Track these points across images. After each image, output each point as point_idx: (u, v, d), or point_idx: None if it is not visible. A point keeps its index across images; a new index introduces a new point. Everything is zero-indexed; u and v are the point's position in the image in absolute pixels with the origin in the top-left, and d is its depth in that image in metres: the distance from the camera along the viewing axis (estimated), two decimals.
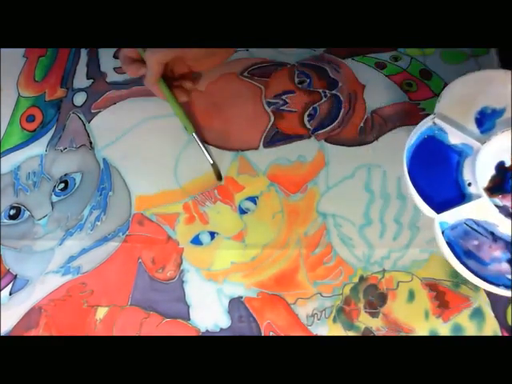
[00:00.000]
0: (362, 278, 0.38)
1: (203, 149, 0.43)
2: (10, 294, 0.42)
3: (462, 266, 0.31)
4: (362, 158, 0.42)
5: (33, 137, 0.48)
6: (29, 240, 0.43)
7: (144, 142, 0.46)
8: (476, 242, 0.32)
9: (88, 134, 0.47)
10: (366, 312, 0.37)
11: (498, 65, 0.45)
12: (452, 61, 0.46)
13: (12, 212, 0.44)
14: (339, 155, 0.43)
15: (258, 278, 0.39)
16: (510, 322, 0.36)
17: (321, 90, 0.45)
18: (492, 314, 0.36)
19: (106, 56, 0.50)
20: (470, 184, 0.33)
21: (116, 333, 0.39)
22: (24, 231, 0.43)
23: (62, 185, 0.45)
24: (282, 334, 0.38)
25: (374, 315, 0.37)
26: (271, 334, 0.38)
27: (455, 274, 0.37)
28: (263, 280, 0.39)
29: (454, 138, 0.34)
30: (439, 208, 0.32)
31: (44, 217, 0.44)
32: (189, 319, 0.39)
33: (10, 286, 0.42)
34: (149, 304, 0.40)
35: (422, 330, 0.36)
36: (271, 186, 0.42)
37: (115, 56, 0.50)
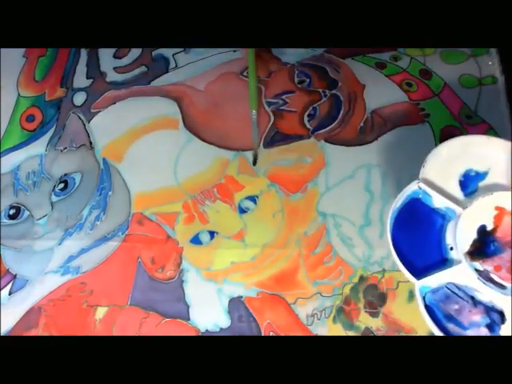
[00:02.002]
0: (361, 278, 0.38)
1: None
2: (10, 293, 0.41)
3: (439, 331, 0.32)
4: (362, 158, 0.42)
5: (33, 136, 0.48)
6: (28, 240, 0.43)
7: (143, 141, 0.46)
8: (456, 306, 0.33)
9: (88, 134, 0.47)
10: (365, 312, 0.37)
11: (498, 65, 0.45)
12: (452, 61, 0.46)
13: (11, 212, 0.44)
14: (339, 155, 0.43)
15: (258, 277, 0.39)
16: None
17: (321, 90, 0.45)
18: None
19: (105, 56, 0.50)
20: (451, 248, 0.34)
21: (115, 333, 0.39)
22: (23, 231, 0.43)
23: (62, 185, 0.45)
24: (282, 334, 0.38)
25: (373, 315, 0.37)
26: (271, 333, 0.38)
27: None
28: (263, 280, 0.39)
29: (438, 201, 0.34)
30: (421, 272, 0.33)
31: (43, 217, 0.44)
32: (188, 319, 0.39)
33: (10, 285, 0.42)
34: (148, 304, 0.40)
35: (421, 329, 0.36)
36: (271, 185, 0.42)
37: (115, 56, 0.50)
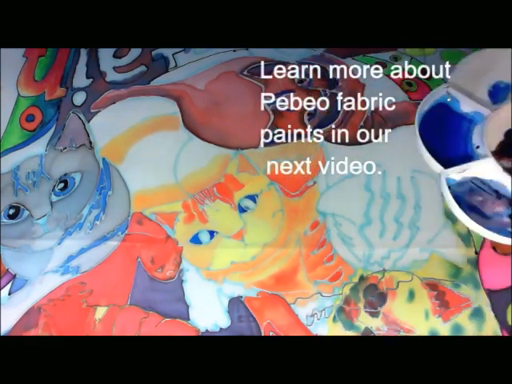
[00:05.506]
0: (361, 278, 0.38)
1: None
2: (9, 293, 0.41)
3: (466, 218, 0.33)
4: (362, 157, 0.42)
5: (32, 136, 0.48)
6: (28, 239, 0.43)
7: (143, 140, 0.46)
8: (480, 198, 0.34)
9: (88, 134, 0.47)
10: (365, 312, 0.37)
11: None
12: (452, 60, 0.46)
13: (11, 211, 0.44)
14: (339, 154, 0.43)
15: (258, 277, 0.39)
16: (510, 322, 0.36)
17: (321, 89, 0.45)
18: (492, 314, 0.36)
19: (105, 55, 0.50)
20: (478, 147, 0.35)
21: (115, 333, 0.39)
22: (23, 231, 0.43)
23: (62, 184, 0.45)
24: (282, 334, 0.38)
25: (373, 315, 0.37)
26: (271, 333, 0.38)
27: (455, 274, 0.38)
28: (263, 279, 0.39)
29: (466, 106, 0.35)
30: (446, 165, 0.34)
31: (43, 216, 0.44)
32: (188, 319, 0.39)
33: (9, 285, 0.42)
34: (148, 304, 0.40)
35: (421, 330, 0.36)
36: (271, 184, 0.42)
37: (115, 55, 0.50)
